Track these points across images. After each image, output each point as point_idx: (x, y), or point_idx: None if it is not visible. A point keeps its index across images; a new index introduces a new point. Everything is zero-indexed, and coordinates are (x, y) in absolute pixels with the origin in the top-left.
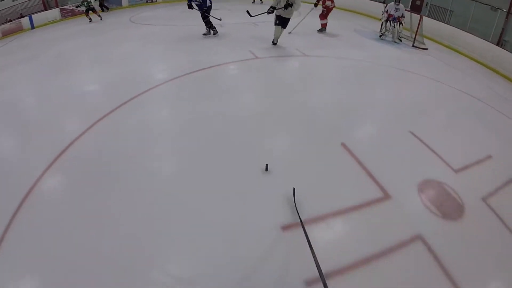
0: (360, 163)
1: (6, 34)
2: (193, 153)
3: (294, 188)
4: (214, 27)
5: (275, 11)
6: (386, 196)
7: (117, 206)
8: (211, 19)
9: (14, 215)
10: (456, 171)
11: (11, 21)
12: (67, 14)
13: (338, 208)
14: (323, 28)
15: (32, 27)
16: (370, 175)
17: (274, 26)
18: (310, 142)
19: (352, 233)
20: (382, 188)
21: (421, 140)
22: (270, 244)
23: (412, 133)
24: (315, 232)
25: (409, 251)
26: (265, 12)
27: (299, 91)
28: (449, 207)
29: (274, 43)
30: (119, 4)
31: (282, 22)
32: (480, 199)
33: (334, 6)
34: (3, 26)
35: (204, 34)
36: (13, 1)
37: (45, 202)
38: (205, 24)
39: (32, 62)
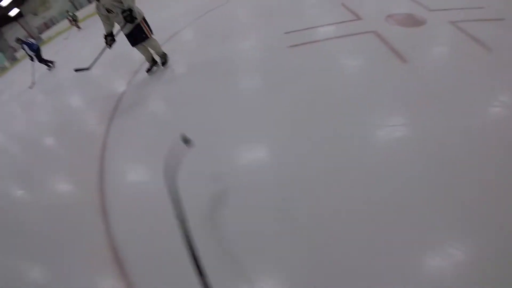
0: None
1: None
2: None
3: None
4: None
5: (115, 37)
6: (358, 18)
7: None
8: None
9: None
10: (430, 10)
11: None
12: None
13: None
14: None
15: None
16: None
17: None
18: None
19: (325, 32)
20: (355, 14)
21: None
22: None
23: None
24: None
25: (363, 37)
26: (104, 49)
27: None
28: (409, 22)
29: (149, 69)
30: None
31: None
32: (447, 21)
33: None
34: None
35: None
36: None
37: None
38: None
39: None
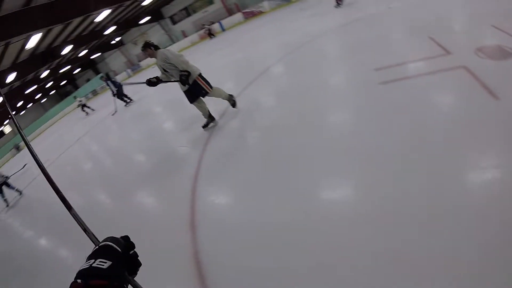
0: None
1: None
2: None
3: None
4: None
5: (157, 84)
6: (447, 52)
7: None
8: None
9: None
10: None
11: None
12: (248, 16)
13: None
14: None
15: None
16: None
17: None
18: None
19: (415, 68)
20: (444, 48)
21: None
22: None
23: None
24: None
25: (453, 73)
26: (142, 82)
27: None
28: (500, 55)
29: (205, 125)
30: None
31: (193, 95)
32: None
33: None
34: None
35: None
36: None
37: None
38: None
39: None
